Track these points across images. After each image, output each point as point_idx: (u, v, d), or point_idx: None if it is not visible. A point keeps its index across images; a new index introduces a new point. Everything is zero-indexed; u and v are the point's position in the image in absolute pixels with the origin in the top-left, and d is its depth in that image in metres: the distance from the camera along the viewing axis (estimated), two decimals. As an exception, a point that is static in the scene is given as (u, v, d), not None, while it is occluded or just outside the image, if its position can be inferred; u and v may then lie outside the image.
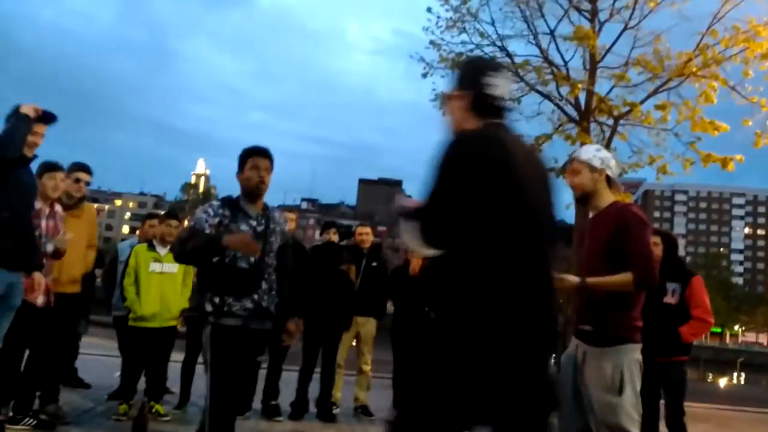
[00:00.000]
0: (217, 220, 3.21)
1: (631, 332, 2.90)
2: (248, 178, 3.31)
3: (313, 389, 5.63)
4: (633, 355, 2.87)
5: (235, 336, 3.10)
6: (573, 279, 2.90)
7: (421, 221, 1.92)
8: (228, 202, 3.34)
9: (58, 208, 4.34)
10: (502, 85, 2.12)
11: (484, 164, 1.91)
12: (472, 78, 2.14)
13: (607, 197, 3.05)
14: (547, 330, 1.96)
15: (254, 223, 3.30)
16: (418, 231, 1.92)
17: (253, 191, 3.33)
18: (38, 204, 4.12)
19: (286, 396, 5.52)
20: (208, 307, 3.13)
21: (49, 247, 4.03)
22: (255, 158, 3.34)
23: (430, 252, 1.96)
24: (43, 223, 4.12)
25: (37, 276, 3.77)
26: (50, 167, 4.25)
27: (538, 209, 2.03)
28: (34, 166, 3.91)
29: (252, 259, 3.18)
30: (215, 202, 3.37)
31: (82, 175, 4.74)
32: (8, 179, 3.43)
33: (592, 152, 3.08)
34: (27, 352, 4.25)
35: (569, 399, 2.99)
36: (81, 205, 4.79)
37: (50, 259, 4.15)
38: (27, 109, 3.46)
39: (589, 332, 2.94)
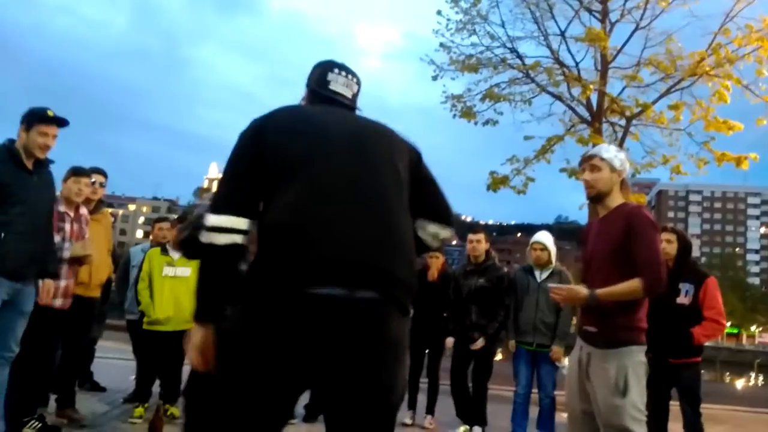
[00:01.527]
0: None
1: (636, 334, 2.88)
2: None
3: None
4: (638, 356, 2.86)
5: None
6: (583, 291, 2.89)
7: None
8: None
9: (83, 210, 4.37)
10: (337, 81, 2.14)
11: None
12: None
13: (618, 199, 3.04)
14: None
15: None
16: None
17: None
18: (62, 207, 4.17)
19: (301, 398, 5.53)
20: None
21: (66, 253, 4.07)
22: None
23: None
24: (67, 227, 4.16)
25: (48, 283, 3.78)
26: (77, 172, 4.31)
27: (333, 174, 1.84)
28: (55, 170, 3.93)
29: None
30: None
31: (97, 177, 4.78)
32: (9, 193, 3.41)
33: (613, 152, 3.05)
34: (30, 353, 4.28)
35: (576, 400, 2.99)
36: (101, 209, 4.85)
37: (74, 264, 4.19)
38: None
39: (594, 333, 2.93)
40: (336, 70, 2.15)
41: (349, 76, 2.17)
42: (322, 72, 2.15)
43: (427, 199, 2.07)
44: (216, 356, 1.83)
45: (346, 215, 1.78)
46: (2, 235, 3.37)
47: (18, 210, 3.44)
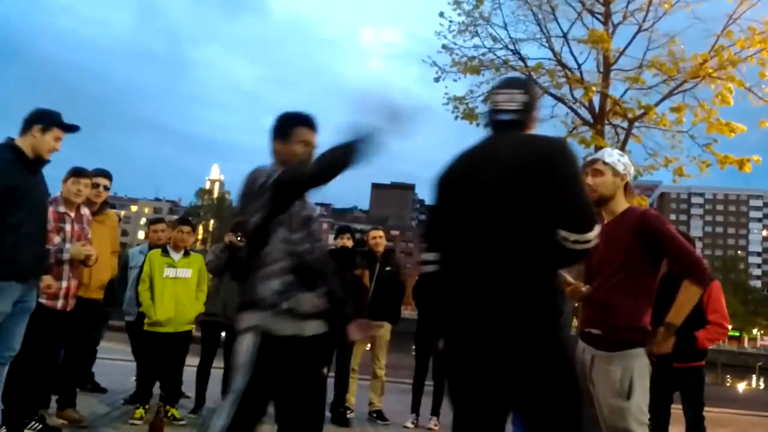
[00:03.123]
0: None
1: (641, 336, 2.87)
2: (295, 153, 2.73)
3: (327, 394, 5.62)
4: (642, 359, 2.84)
5: None
6: (669, 342, 2.88)
7: None
8: None
9: (85, 211, 4.35)
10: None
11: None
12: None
13: (622, 203, 3.03)
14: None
15: None
16: None
17: None
18: (62, 208, 4.16)
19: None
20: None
21: (65, 255, 4.06)
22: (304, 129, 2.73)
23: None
24: (68, 228, 4.15)
25: (47, 279, 3.78)
26: (78, 172, 4.27)
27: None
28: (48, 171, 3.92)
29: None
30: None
31: (101, 180, 4.77)
32: (19, 196, 3.39)
33: (616, 156, 3.05)
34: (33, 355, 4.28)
35: None
36: (105, 210, 4.84)
37: (78, 265, 4.19)
38: None
39: (598, 336, 2.91)
40: (497, 89, 2.38)
41: (509, 90, 2.36)
42: (490, 95, 2.42)
43: (556, 207, 2.09)
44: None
45: None
46: (14, 239, 3.36)
47: (26, 212, 3.43)
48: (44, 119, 3.57)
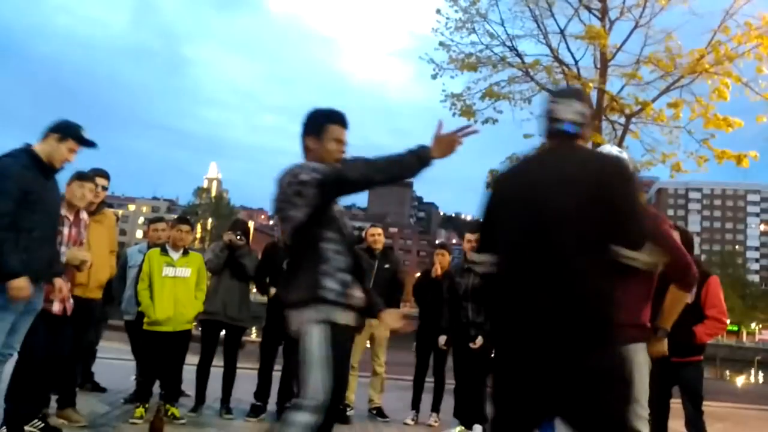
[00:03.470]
0: None
1: (640, 332, 2.89)
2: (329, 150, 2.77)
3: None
4: (641, 354, 2.87)
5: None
6: (663, 344, 2.98)
7: None
8: None
9: (83, 215, 4.38)
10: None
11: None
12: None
13: None
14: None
15: None
16: None
17: None
18: (63, 211, 4.16)
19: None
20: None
21: (63, 258, 4.07)
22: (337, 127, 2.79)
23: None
24: (65, 231, 4.16)
25: (59, 282, 3.83)
26: (82, 176, 4.30)
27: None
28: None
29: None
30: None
31: (100, 180, 4.78)
32: (34, 200, 3.47)
33: (615, 152, 3.05)
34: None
35: None
36: (102, 210, 4.84)
37: (71, 269, 4.20)
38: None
39: None
40: (555, 98, 2.40)
41: (569, 100, 2.39)
42: (546, 105, 2.39)
43: (618, 227, 2.16)
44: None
45: None
46: (27, 242, 3.43)
47: (39, 216, 3.52)
48: (62, 130, 3.68)
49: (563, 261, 2.13)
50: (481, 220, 2.46)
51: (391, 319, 2.82)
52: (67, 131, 3.68)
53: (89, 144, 3.81)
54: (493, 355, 2.36)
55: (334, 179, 2.52)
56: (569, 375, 2.08)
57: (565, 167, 2.24)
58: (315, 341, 2.47)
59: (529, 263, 2.18)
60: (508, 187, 2.39)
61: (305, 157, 2.78)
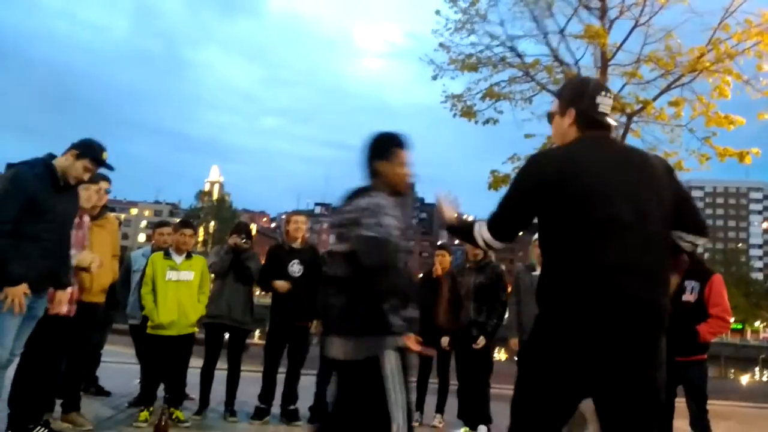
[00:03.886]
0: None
1: None
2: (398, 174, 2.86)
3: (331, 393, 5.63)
4: None
5: None
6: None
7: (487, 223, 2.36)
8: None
9: (86, 218, 4.40)
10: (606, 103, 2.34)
11: (534, 181, 2.24)
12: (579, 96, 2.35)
13: None
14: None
15: None
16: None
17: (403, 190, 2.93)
18: None
19: (305, 400, 5.54)
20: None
21: (72, 261, 4.08)
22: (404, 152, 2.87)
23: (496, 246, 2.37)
24: (72, 234, 4.17)
25: (60, 294, 3.86)
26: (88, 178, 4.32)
27: (612, 212, 2.14)
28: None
29: None
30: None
31: (102, 184, 4.78)
32: (41, 210, 3.50)
33: None
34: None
35: None
36: (105, 214, 4.85)
37: (79, 271, 4.21)
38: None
39: None
40: (602, 91, 2.35)
41: (610, 94, 2.39)
42: (591, 94, 2.32)
43: (686, 215, 2.31)
44: None
45: None
46: (29, 249, 3.45)
47: (45, 226, 3.54)
48: (82, 148, 3.73)
49: (661, 252, 2.18)
50: (517, 204, 2.28)
51: (411, 342, 2.78)
52: (86, 151, 3.73)
53: (106, 166, 3.87)
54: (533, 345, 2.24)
55: (377, 266, 2.59)
56: (635, 372, 2.08)
57: (637, 160, 2.27)
58: (390, 367, 2.61)
59: (629, 253, 2.10)
60: (574, 175, 2.16)
61: (372, 180, 2.80)
